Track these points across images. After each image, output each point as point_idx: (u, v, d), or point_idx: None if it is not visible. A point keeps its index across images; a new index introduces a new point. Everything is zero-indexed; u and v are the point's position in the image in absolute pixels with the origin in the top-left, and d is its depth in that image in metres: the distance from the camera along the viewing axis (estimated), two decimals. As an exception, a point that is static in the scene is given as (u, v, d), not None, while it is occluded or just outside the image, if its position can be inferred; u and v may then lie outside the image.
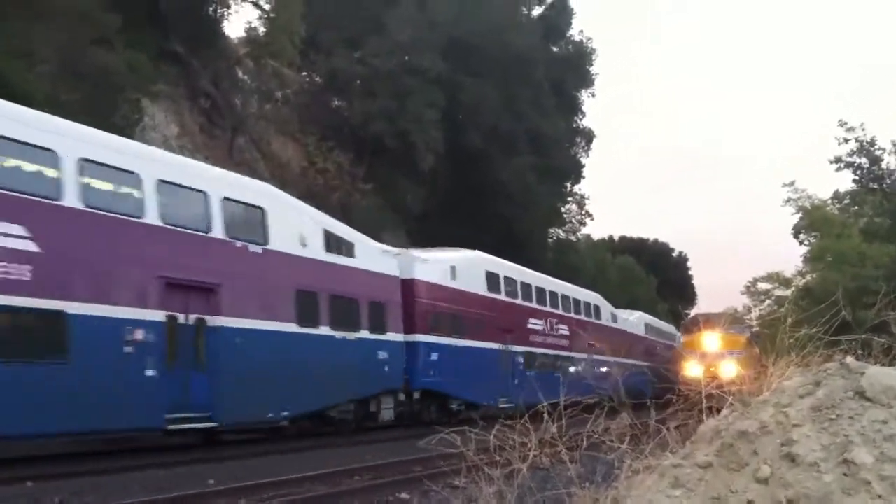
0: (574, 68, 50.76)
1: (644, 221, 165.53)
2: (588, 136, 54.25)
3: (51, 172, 14.21)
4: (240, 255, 17.80)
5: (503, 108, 42.14)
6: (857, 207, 40.35)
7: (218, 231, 17.38)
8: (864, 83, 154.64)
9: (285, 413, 19.19)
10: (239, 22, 79.16)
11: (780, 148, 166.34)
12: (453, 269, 26.45)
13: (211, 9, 33.04)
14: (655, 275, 74.43)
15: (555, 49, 50.84)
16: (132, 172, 15.77)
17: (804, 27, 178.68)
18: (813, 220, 39.33)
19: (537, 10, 50.59)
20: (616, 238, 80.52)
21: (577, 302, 36.91)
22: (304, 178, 35.84)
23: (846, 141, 30.94)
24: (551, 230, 55.53)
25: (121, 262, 15.42)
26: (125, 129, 23.20)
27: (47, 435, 15.11)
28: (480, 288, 27.89)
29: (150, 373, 15.65)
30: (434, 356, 24.59)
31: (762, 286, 48.89)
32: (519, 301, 30.85)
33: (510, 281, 30.36)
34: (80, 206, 14.58)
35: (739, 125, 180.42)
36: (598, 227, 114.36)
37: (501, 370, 28.21)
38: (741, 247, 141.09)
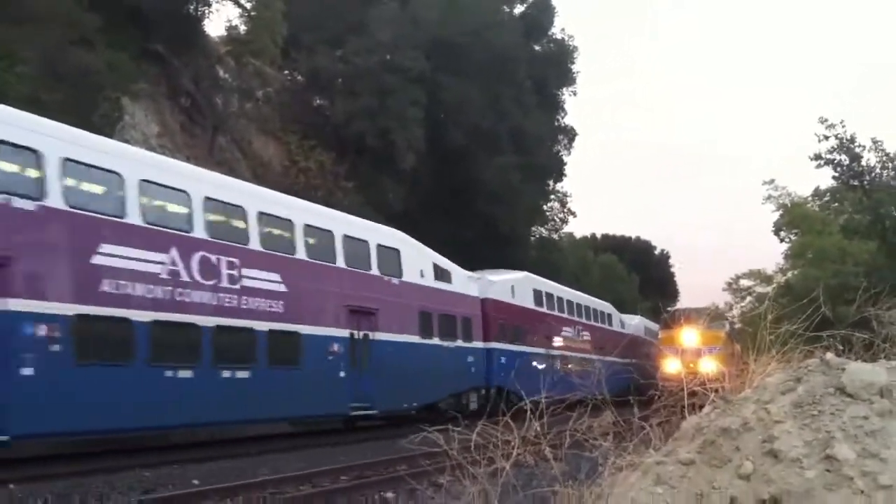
0: (556, 66, 50.83)
1: (626, 220, 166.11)
2: (570, 134, 54.34)
3: (290, 237, 20.66)
4: (387, 286, 24.06)
5: (485, 106, 42.16)
6: (837, 204, 40.63)
7: (375, 270, 23.70)
8: (862, 82, 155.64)
9: (415, 404, 24.66)
10: (220, 20, 78.72)
11: (765, 147, 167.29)
12: (513, 287, 32.51)
13: (192, 7, 32.89)
14: (637, 273, 74.72)
15: (537, 47, 50.90)
16: (328, 231, 22.30)
17: (799, 25, 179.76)
18: (793, 218, 39.56)
19: (519, 9, 50.65)
20: (598, 236, 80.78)
21: (595, 311, 42.49)
22: (286, 177, 35.71)
23: (826, 138, 31.08)
24: (533, 228, 55.58)
25: (326, 295, 21.56)
26: (105, 128, 23.06)
27: (291, 419, 21.84)
28: (530, 303, 33.98)
29: (342, 374, 21.64)
30: (503, 360, 29.96)
31: (744, 283, 49.22)
32: (555, 312, 36.91)
33: (549, 296, 36.42)
34: (306, 258, 20.96)
35: (724, 125, 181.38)
36: (581, 226, 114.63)
37: (544, 369, 32.87)
38: (724, 245, 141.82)
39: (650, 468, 5.64)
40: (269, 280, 19.35)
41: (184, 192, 17.65)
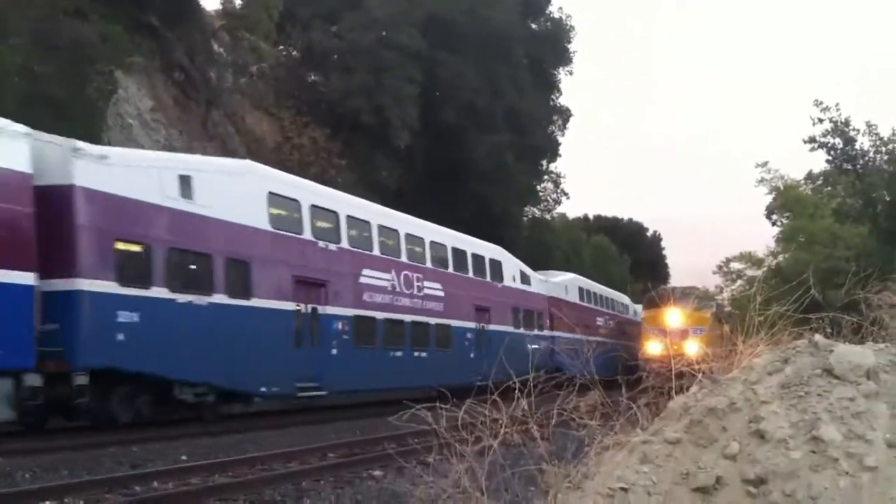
0: (552, 45, 50.60)
1: (619, 201, 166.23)
2: (565, 114, 54.20)
3: (446, 257, 28.88)
4: (495, 289, 32.05)
5: (481, 84, 42.04)
6: (829, 188, 40.67)
7: (489, 277, 31.64)
8: (863, 74, 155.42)
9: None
10: (215, -6, 78.22)
11: (761, 133, 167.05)
12: (566, 286, 38.66)
13: (186, -20, 32.61)
14: (629, 254, 74.79)
15: (534, 26, 50.66)
16: (464, 251, 30.43)
17: (801, 14, 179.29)
18: (786, 201, 39.59)
19: (516, -14, 50.38)
20: (591, 217, 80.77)
21: (617, 303, 47.36)
22: (279, 154, 35.57)
23: (820, 121, 31.15)
24: (526, 208, 55.57)
25: (463, 298, 29.32)
26: (98, 101, 22.94)
27: (444, 386, 23.28)
28: (576, 298, 39.85)
29: (472, 355, 28.71)
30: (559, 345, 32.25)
31: (735, 266, 49.32)
32: (592, 305, 42.25)
33: (589, 293, 42.07)
34: (454, 272, 29.00)
35: (721, 111, 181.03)
36: (574, 207, 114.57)
37: (585, 353, 33.88)
38: (715, 228, 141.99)
39: (636, 447, 5.64)
40: (435, 289, 27.44)
41: (396, 231, 26.12)
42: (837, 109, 30.71)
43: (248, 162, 22.24)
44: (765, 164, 41.21)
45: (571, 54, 52.05)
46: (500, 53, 43.40)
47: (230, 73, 36.15)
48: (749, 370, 5.88)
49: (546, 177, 56.77)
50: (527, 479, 7.34)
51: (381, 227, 25.42)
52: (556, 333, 35.10)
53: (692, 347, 27.10)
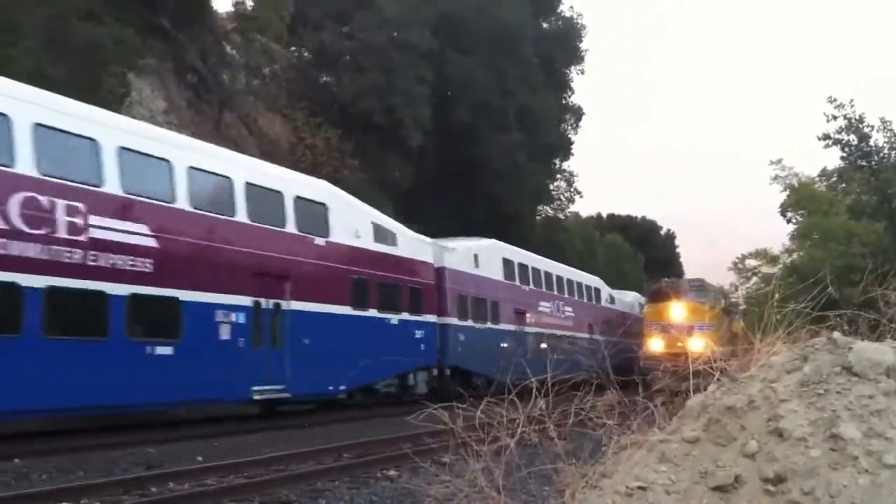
0: (563, 44, 50.54)
1: (632, 199, 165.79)
2: (577, 112, 54.14)
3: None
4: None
5: (492, 83, 42.00)
6: (844, 185, 40.43)
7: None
8: (877, 75, 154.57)
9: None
10: (227, -4, 78.65)
11: (775, 132, 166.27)
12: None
13: (198, -18, 32.70)
14: (643, 252, 74.60)
15: (545, 25, 50.62)
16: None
17: (818, 16, 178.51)
18: (800, 198, 39.34)
19: (527, -15, 50.32)
20: (604, 216, 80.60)
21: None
22: (292, 154, 35.61)
23: (835, 118, 30.97)
24: (539, 207, 55.49)
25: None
26: (112, 103, 23.01)
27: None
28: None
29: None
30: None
31: (750, 263, 49.00)
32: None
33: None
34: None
35: (733, 110, 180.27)
36: (587, 205, 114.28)
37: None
38: (730, 225, 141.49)
39: (654, 446, 5.62)
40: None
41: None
42: (852, 106, 30.58)
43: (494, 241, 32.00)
44: (779, 161, 40.91)
45: (583, 53, 52.06)
46: (511, 52, 43.34)
47: (242, 75, 36.25)
48: (768, 368, 5.85)
49: (559, 175, 56.71)
50: (543, 478, 7.34)
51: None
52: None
53: (697, 344, 25.29)
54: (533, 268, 34.91)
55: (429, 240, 27.70)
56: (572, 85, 52.97)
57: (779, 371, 5.70)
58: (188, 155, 18.10)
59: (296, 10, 35.69)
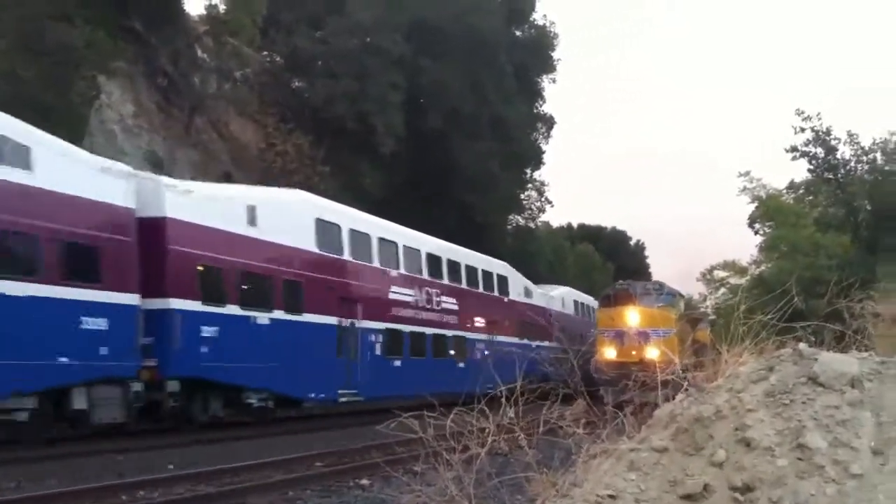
0: (536, 53, 50.75)
1: (602, 209, 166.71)
2: (549, 122, 54.37)
3: None
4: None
5: (465, 91, 42.09)
6: (811, 198, 40.94)
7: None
8: (846, 90, 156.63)
9: None
10: None
11: (743, 143, 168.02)
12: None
13: (171, -15, 32.54)
14: (613, 262, 75.00)
15: (518, 33, 50.78)
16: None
17: (785, 29, 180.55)
18: (767, 210, 39.79)
19: (501, -7, 50.52)
20: (575, 226, 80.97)
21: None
22: (263, 160, 35.49)
23: (802, 130, 31.41)
24: (511, 216, 55.64)
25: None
26: (81, 106, 22.86)
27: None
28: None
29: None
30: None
31: (718, 274, 49.45)
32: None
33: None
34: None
35: (703, 121, 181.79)
36: (557, 215, 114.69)
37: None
38: (698, 236, 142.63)
39: (624, 455, 5.68)
40: None
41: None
42: (819, 119, 31.04)
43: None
44: (747, 173, 41.30)
45: (555, 62, 52.30)
46: (485, 60, 43.46)
47: (214, 79, 36.05)
48: (734, 378, 5.94)
49: (530, 185, 56.87)
50: (514, 487, 7.37)
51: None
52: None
53: (653, 353, 25.69)
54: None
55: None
56: (544, 94, 53.27)
57: (745, 381, 5.79)
58: (380, 231, 26.49)
59: (269, 13, 35.56)
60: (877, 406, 5.38)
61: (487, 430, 7.24)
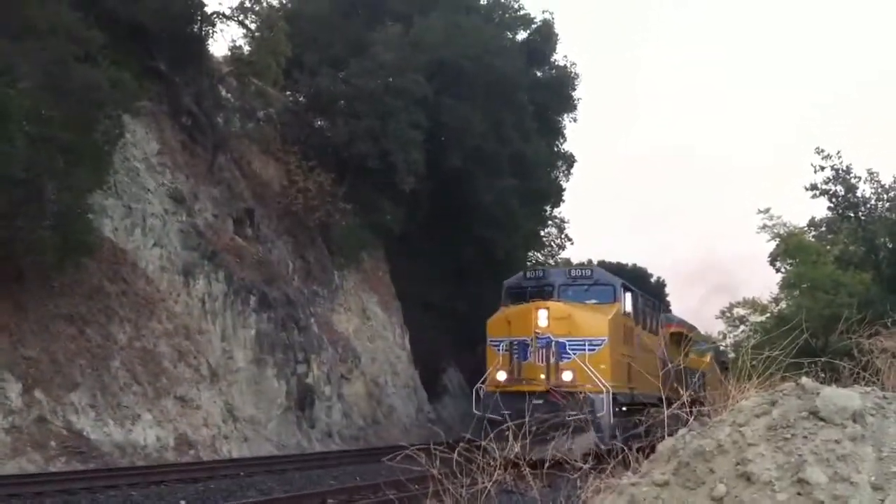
0: (557, 92, 51.12)
1: (623, 247, 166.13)
2: (569, 160, 54.60)
3: None
4: None
5: (486, 130, 42.37)
6: (832, 235, 40.79)
7: None
8: (865, 122, 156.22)
9: None
10: (224, 40, 79.34)
11: (764, 180, 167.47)
12: None
13: (196, 27, 33.12)
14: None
15: (538, 73, 51.21)
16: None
17: (808, 66, 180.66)
18: (788, 247, 39.67)
19: (522, 35, 51.03)
20: (595, 262, 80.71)
21: None
22: (284, 198, 35.83)
23: (822, 168, 31.39)
24: (530, 253, 55.70)
25: None
26: (105, 144, 23.20)
27: None
28: None
29: None
30: None
31: (738, 311, 49.19)
32: None
33: None
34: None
35: (726, 157, 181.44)
36: (578, 252, 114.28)
37: None
38: (721, 273, 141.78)
39: (625, 489, 5.71)
40: None
41: None
42: (839, 157, 31.02)
43: None
44: (767, 210, 41.31)
45: (576, 101, 52.61)
46: (505, 100, 43.81)
47: (237, 118, 36.54)
48: (737, 412, 5.95)
49: (550, 222, 57.05)
50: (520, 521, 7.40)
51: None
52: None
53: (567, 375, 20.02)
54: None
55: None
56: (565, 132, 53.55)
57: (748, 415, 5.81)
58: None
59: (292, 54, 36.08)
60: (878, 441, 5.38)
61: (493, 464, 7.29)
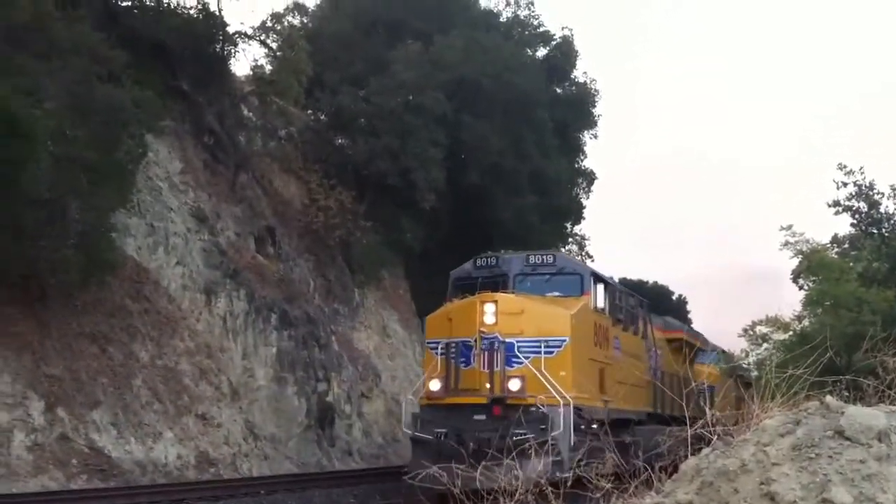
0: (577, 109, 51.08)
1: (644, 264, 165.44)
2: (589, 177, 54.50)
3: None
4: None
5: (506, 147, 42.39)
6: (855, 252, 40.43)
7: None
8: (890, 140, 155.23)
9: None
10: (245, 60, 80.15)
11: (786, 196, 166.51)
12: None
13: (218, 47, 33.41)
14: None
15: (558, 90, 51.22)
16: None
17: (829, 84, 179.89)
18: (811, 265, 39.30)
19: (542, 52, 51.07)
20: (616, 279, 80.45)
21: None
22: (305, 216, 35.98)
23: (844, 185, 31.17)
24: (552, 270, 55.48)
25: None
26: (129, 164, 23.39)
27: None
28: None
29: None
30: None
31: (760, 329, 48.70)
32: None
33: None
34: None
35: (744, 171, 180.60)
36: (598, 269, 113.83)
37: None
38: (741, 290, 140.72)
39: (648, 509, 5.68)
40: None
41: None
42: (861, 173, 30.81)
43: None
44: (789, 227, 40.90)
45: (596, 118, 52.52)
46: (525, 117, 43.80)
47: (259, 137, 36.78)
48: (761, 432, 5.92)
49: (570, 239, 56.88)
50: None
51: None
52: None
53: (516, 384, 16.05)
54: None
55: None
56: (585, 149, 53.47)
57: (772, 434, 5.77)
58: None
59: (313, 74, 36.31)
60: (904, 460, 5.33)
61: (515, 483, 7.26)
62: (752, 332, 48.31)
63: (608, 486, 6.91)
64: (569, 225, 54.34)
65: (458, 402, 16.67)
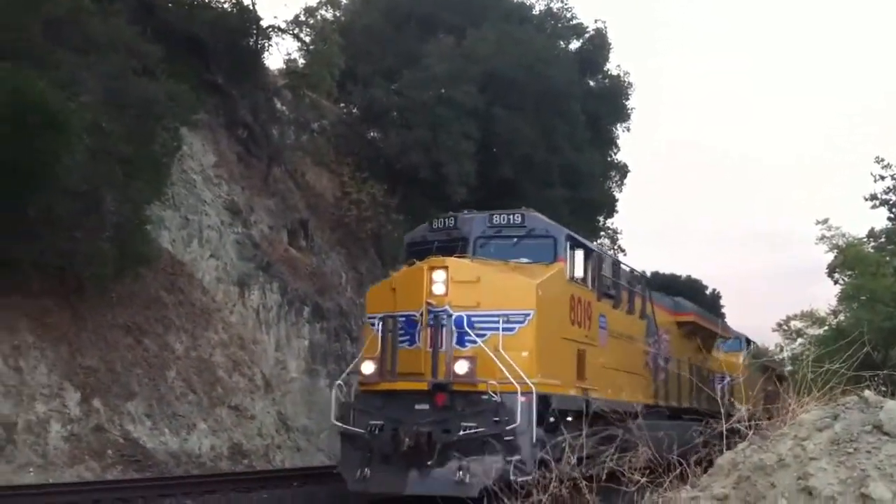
0: (610, 102, 50.70)
1: (677, 258, 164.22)
2: (622, 170, 54.10)
3: None
4: None
5: (537, 140, 42.20)
6: (892, 246, 39.90)
7: None
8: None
9: None
10: (279, 53, 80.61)
11: (822, 191, 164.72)
12: None
13: (252, 40, 33.58)
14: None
15: (591, 83, 50.87)
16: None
17: (867, 79, 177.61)
18: (847, 259, 38.81)
19: (574, 44, 50.72)
20: (648, 274, 79.94)
21: None
22: (338, 209, 36.10)
23: (882, 178, 30.81)
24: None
25: None
26: (164, 157, 23.57)
27: None
28: None
29: None
30: None
31: (795, 324, 48.28)
32: None
33: None
34: None
35: (780, 167, 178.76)
36: (631, 263, 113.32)
37: None
38: (776, 285, 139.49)
39: None
40: None
41: None
42: (899, 166, 30.47)
43: None
44: (825, 221, 40.43)
45: (629, 111, 52.11)
46: (558, 110, 43.52)
47: (292, 130, 36.93)
48: (798, 426, 5.85)
49: (602, 233, 56.53)
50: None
51: None
52: None
53: (463, 367, 13.27)
54: None
55: None
56: (618, 142, 53.09)
57: (809, 429, 5.70)
58: None
59: (346, 67, 36.38)
60: (944, 456, 5.25)
61: (549, 477, 7.24)
62: (786, 327, 47.93)
63: (642, 479, 6.86)
64: (601, 218, 54.02)
65: (395, 389, 14.04)
